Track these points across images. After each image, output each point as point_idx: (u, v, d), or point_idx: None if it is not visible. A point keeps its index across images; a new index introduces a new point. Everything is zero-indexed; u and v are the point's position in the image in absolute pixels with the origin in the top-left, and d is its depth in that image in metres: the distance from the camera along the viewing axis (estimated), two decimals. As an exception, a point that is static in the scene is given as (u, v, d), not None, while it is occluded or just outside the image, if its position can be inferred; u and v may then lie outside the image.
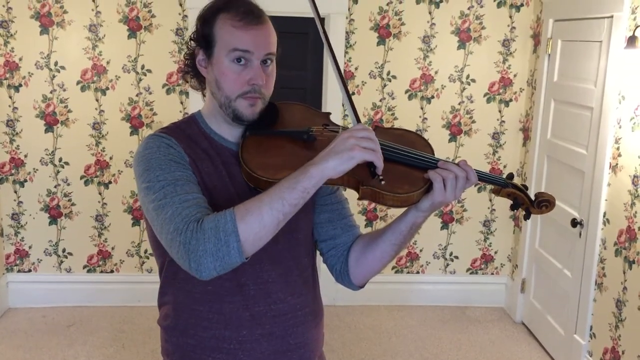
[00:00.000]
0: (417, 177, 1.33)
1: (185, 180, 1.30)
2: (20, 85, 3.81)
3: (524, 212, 1.46)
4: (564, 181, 3.52)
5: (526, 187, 1.46)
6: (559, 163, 3.59)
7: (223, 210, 1.21)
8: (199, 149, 1.39)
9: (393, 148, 1.36)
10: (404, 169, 1.35)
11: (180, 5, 3.79)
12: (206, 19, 1.38)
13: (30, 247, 4.01)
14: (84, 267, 4.06)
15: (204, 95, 1.47)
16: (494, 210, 4.15)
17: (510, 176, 1.46)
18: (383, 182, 1.26)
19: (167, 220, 1.23)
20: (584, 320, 3.23)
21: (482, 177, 1.40)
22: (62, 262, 4.04)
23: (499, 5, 3.93)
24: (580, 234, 3.28)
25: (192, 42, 1.42)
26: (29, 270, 4.03)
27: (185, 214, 1.22)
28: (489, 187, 1.51)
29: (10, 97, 3.82)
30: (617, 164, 3.00)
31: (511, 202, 1.45)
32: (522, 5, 3.94)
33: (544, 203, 1.43)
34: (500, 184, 1.43)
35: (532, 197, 1.44)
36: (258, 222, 1.19)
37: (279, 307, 1.42)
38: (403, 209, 1.39)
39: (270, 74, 1.39)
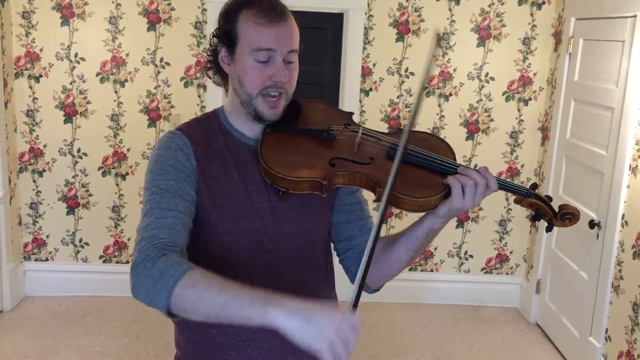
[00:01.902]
0: (436, 182, 1.32)
1: (175, 194, 1.30)
2: (40, 75, 3.85)
3: (546, 224, 1.42)
4: (582, 182, 3.48)
5: (550, 199, 1.42)
6: (577, 163, 3.55)
7: (183, 263, 1.17)
8: (212, 149, 1.39)
9: (413, 151, 1.35)
10: (423, 173, 1.33)
11: (200, -2, 3.80)
12: (229, 16, 1.37)
13: (47, 237, 4.06)
14: (100, 257, 4.10)
15: (226, 91, 1.47)
16: (510, 209, 4.12)
17: (534, 186, 1.42)
18: None
19: (140, 230, 1.26)
20: (600, 323, 3.20)
21: (503, 186, 1.37)
22: (78, 251, 4.08)
23: (520, 3, 3.89)
24: (597, 236, 3.24)
25: (214, 38, 1.41)
26: (46, 259, 4.08)
27: (153, 234, 1.23)
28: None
29: (30, 88, 3.86)
30: (637, 166, 2.96)
31: (533, 212, 1.41)
32: (543, 3, 3.90)
33: (567, 216, 1.39)
34: (522, 193, 1.39)
35: (556, 209, 1.40)
36: (192, 303, 1.14)
37: None
38: (421, 214, 1.37)
39: (292, 71, 1.38)
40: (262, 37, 1.33)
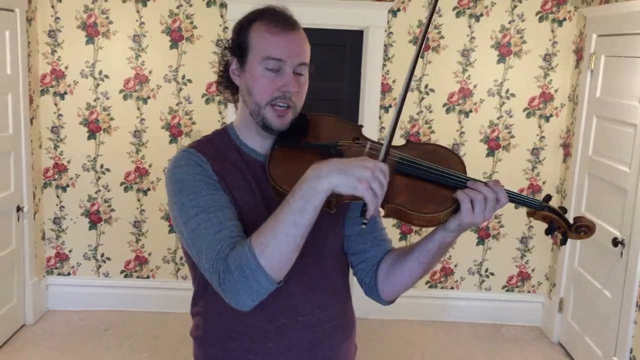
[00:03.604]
0: (445, 196, 1.29)
1: (218, 206, 1.30)
2: (65, 93, 3.92)
3: (560, 237, 1.38)
4: (605, 199, 3.44)
5: (565, 210, 1.39)
6: (600, 180, 3.51)
7: (242, 246, 1.21)
8: (228, 163, 1.40)
9: (421, 165, 1.34)
10: (432, 187, 1.32)
11: (222, 16, 3.86)
12: (241, 28, 1.39)
13: (70, 251, 4.10)
14: (121, 272, 4.14)
15: (236, 107, 1.48)
16: (532, 227, 4.08)
17: (547, 198, 1.39)
18: (363, 226, 1.22)
19: (202, 255, 1.26)
20: (624, 343, 3.14)
21: (514, 199, 1.33)
22: (100, 266, 4.12)
23: (540, 20, 3.88)
24: (621, 254, 3.19)
25: (226, 51, 1.43)
26: (69, 274, 4.12)
27: (217, 250, 1.24)
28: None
29: (55, 105, 3.93)
30: (661, 183, 2.92)
31: (547, 225, 1.37)
32: (564, 19, 3.88)
33: (582, 228, 1.35)
34: (535, 206, 1.36)
35: (571, 221, 1.37)
36: (278, 252, 1.19)
37: (305, 320, 1.41)
38: (431, 228, 1.35)
39: (302, 84, 1.38)
40: (273, 46, 1.34)
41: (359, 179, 1.14)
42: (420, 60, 3.92)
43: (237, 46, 1.39)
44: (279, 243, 1.18)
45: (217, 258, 1.23)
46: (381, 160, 1.23)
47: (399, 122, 1.29)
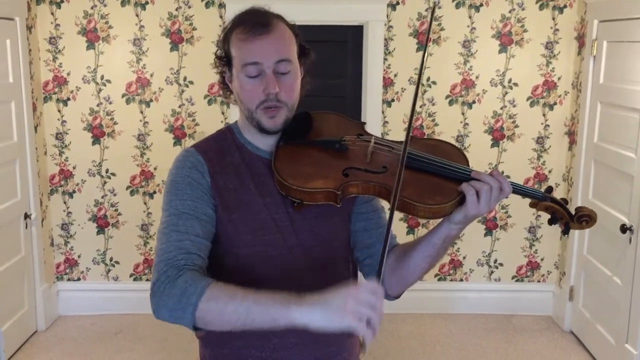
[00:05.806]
0: (450, 188, 1.32)
1: (193, 215, 1.33)
2: (68, 99, 3.93)
3: (562, 227, 1.42)
4: (612, 186, 3.42)
5: (566, 201, 1.42)
6: (606, 167, 3.50)
7: (201, 280, 1.22)
8: (227, 163, 1.42)
9: (426, 159, 1.36)
10: (437, 180, 1.34)
11: (221, 17, 3.85)
12: (225, 37, 1.42)
13: (79, 256, 4.12)
14: (131, 275, 4.15)
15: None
16: (539, 216, 4.06)
17: (549, 189, 1.42)
18: (364, 353, 1.21)
19: (158, 252, 1.30)
20: (636, 329, 3.13)
21: (517, 189, 1.37)
22: (109, 270, 4.14)
23: (541, 8, 3.86)
24: (630, 240, 3.18)
25: (217, 60, 1.45)
26: (78, 279, 4.14)
27: (172, 255, 1.27)
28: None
29: (59, 111, 3.94)
30: (668, 168, 2.90)
31: (549, 216, 1.41)
32: (565, 6, 3.86)
33: (584, 218, 1.39)
34: (537, 197, 1.39)
35: (572, 212, 1.40)
36: (217, 315, 1.19)
37: None
38: (436, 221, 1.37)
39: (288, 80, 1.38)
40: (247, 53, 1.36)
41: (343, 310, 1.10)
42: (421, 52, 3.90)
43: (225, 55, 1.42)
44: (223, 313, 1.18)
45: (169, 263, 1.26)
46: (377, 275, 1.19)
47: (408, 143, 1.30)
